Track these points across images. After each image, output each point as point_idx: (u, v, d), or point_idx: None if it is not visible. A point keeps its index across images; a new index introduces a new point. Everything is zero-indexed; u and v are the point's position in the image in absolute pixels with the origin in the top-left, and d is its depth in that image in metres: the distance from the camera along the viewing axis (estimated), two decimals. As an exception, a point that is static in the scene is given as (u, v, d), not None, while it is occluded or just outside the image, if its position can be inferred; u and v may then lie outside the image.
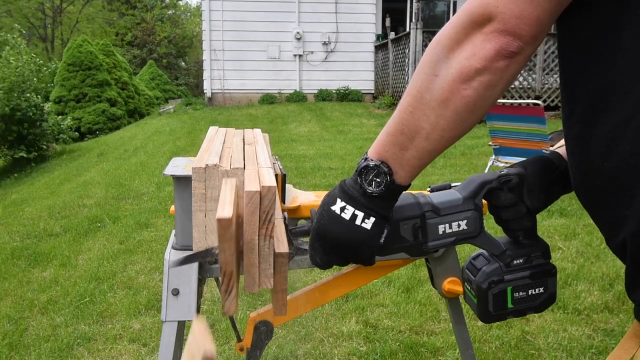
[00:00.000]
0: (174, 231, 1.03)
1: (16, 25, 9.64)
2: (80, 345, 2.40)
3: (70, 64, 12.32)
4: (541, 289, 0.82)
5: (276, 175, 1.04)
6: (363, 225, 0.67)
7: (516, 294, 0.81)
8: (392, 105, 9.83)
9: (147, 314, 2.67)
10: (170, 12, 27.44)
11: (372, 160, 0.66)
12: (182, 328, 1.03)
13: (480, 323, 2.47)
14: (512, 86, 8.89)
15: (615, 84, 0.60)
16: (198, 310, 1.00)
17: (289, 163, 5.99)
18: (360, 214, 0.66)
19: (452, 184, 0.81)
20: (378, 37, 11.35)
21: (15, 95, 8.51)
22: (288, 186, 1.13)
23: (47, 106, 9.54)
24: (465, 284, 0.86)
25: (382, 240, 0.69)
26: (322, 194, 1.17)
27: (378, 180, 0.65)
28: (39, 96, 9.26)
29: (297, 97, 11.02)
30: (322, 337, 2.37)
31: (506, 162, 4.95)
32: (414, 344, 2.29)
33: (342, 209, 0.67)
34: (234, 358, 2.22)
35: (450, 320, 1.37)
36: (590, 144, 0.63)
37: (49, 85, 9.95)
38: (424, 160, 0.65)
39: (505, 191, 0.78)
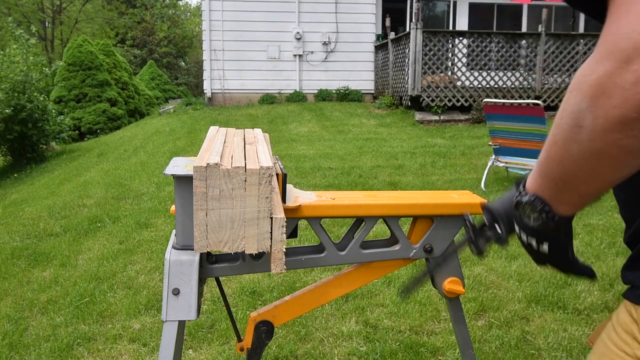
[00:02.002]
0: (174, 231, 1.03)
1: (19, 31, 9.60)
2: (80, 345, 2.40)
3: (70, 63, 12.32)
4: None
5: (277, 175, 1.04)
6: (542, 249, 0.67)
7: None
8: (392, 105, 9.83)
9: (147, 314, 2.66)
10: (170, 12, 27.42)
11: (525, 195, 0.64)
12: (183, 327, 1.03)
13: (480, 323, 2.47)
14: (512, 86, 8.89)
15: None
16: (198, 310, 1.00)
17: (289, 163, 5.99)
18: (533, 240, 0.67)
19: None
20: (378, 37, 11.34)
21: (17, 95, 8.50)
22: (288, 186, 1.13)
23: (49, 105, 9.52)
24: None
25: (568, 238, 0.68)
26: (323, 193, 1.17)
27: (535, 216, 0.63)
28: (44, 96, 9.24)
29: (297, 97, 11.02)
30: (322, 337, 2.37)
31: (506, 162, 4.95)
32: (414, 344, 2.29)
33: (519, 235, 0.68)
34: (234, 358, 2.22)
35: (451, 320, 1.37)
36: None
37: (49, 85, 9.93)
38: (589, 197, 0.60)
39: None
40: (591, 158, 0.53)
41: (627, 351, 0.60)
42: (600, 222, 3.81)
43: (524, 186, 0.64)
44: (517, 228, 0.67)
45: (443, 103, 8.69)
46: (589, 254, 3.18)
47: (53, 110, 9.64)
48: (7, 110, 8.24)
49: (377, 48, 11.21)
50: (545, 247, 0.65)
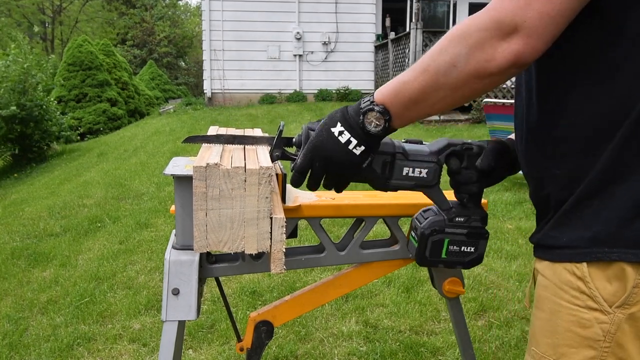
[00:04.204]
0: (174, 231, 1.03)
1: (18, 34, 9.66)
2: (80, 345, 2.40)
3: (70, 63, 12.32)
4: (472, 248, 0.95)
5: (277, 175, 1.04)
6: (354, 150, 0.79)
7: (451, 247, 0.94)
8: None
9: (147, 314, 2.66)
10: (170, 12, 27.40)
11: (377, 105, 0.77)
12: (183, 328, 1.03)
13: (480, 323, 2.47)
14: (512, 86, 8.89)
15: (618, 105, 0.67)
16: (198, 311, 1.00)
17: (289, 163, 5.98)
18: (354, 141, 0.79)
19: (424, 142, 0.93)
20: (378, 37, 11.34)
21: (17, 95, 8.49)
22: (288, 186, 1.13)
23: (52, 105, 9.48)
24: (411, 231, 0.99)
25: (363, 166, 0.82)
26: (323, 193, 1.17)
27: (378, 123, 0.77)
28: (44, 94, 9.21)
29: (297, 97, 11.02)
30: (322, 337, 2.37)
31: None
32: (414, 344, 2.29)
33: (340, 133, 0.79)
34: (234, 358, 2.22)
35: (450, 320, 1.37)
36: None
37: (49, 84, 9.92)
38: (420, 118, 0.78)
39: (464, 157, 0.91)
40: (449, 90, 0.70)
41: (579, 303, 0.72)
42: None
43: (372, 98, 0.78)
44: (338, 128, 0.79)
45: (443, 103, 8.69)
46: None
47: (57, 111, 9.62)
48: (13, 108, 8.22)
49: (377, 48, 11.21)
50: (359, 150, 0.80)
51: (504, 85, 8.87)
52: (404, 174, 0.89)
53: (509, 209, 4.22)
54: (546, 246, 0.77)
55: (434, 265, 0.96)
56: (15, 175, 8.52)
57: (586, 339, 0.72)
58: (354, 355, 2.23)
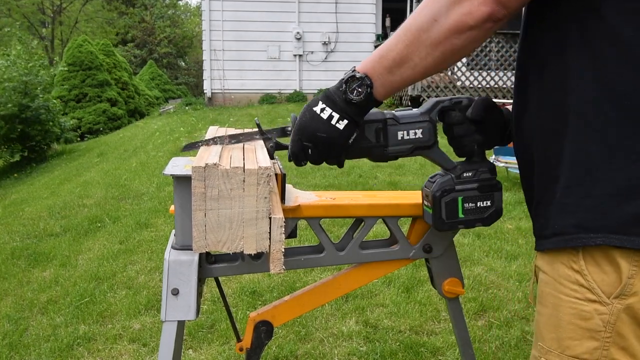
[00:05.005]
0: (173, 231, 1.03)
1: (17, 33, 9.68)
2: (80, 345, 2.40)
3: (70, 63, 12.32)
4: (489, 202, 0.94)
5: (276, 175, 1.04)
6: (337, 125, 0.81)
7: (466, 205, 0.93)
8: (392, 105, 9.83)
9: (147, 314, 2.66)
10: (170, 12, 27.40)
11: (358, 73, 0.79)
12: (182, 328, 1.03)
13: (480, 323, 2.47)
14: (512, 86, 8.89)
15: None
16: (198, 311, 1.00)
17: (289, 163, 5.97)
18: (336, 116, 0.81)
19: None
20: (378, 37, 11.34)
21: (20, 95, 8.49)
22: (288, 186, 1.13)
23: (53, 103, 9.47)
24: (423, 201, 0.98)
25: (350, 141, 0.83)
26: (323, 193, 1.17)
27: (360, 90, 0.79)
28: (47, 96, 9.21)
29: (297, 97, 11.01)
30: (322, 337, 2.37)
31: (506, 162, 4.95)
32: (414, 344, 2.29)
33: (322, 110, 0.82)
34: (234, 358, 2.22)
35: (450, 320, 1.37)
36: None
37: (50, 85, 9.94)
38: (402, 84, 0.79)
39: (456, 111, 0.92)
40: (430, 46, 0.72)
41: (578, 296, 0.74)
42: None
43: (354, 67, 0.80)
44: (320, 106, 0.81)
45: (443, 103, 8.69)
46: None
47: (60, 112, 9.63)
48: (9, 105, 8.21)
49: (377, 48, 11.21)
50: (342, 124, 0.81)
51: (504, 85, 8.87)
52: (400, 138, 0.90)
53: (509, 209, 4.22)
54: (539, 236, 0.80)
55: (454, 227, 0.94)
56: (15, 175, 8.53)
57: (588, 331, 0.73)
58: (354, 355, 2.23)
